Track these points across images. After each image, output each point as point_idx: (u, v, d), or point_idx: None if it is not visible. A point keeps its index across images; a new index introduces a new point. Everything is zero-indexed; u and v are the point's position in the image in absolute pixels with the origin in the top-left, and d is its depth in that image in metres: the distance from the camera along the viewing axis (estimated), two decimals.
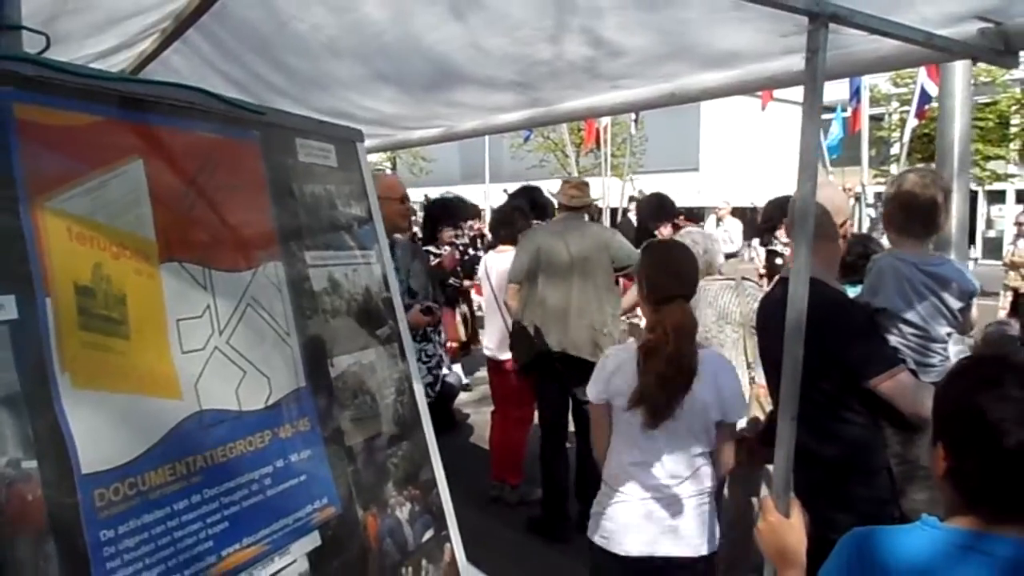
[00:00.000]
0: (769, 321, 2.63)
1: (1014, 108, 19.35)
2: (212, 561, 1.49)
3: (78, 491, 1.29)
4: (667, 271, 2.57)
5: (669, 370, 2.39)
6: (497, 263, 5.40)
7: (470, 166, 27.92)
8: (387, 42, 2.60)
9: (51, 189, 1.34)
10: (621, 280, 5.46)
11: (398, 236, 3.97)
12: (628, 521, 2.54)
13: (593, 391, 2.64)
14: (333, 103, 3.40)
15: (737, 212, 14.55)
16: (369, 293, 2.15)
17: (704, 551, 2.53)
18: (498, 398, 5.49)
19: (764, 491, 4.37)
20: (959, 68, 4.30)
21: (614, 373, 2.56)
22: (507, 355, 5.06)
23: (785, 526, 1.58)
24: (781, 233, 4.59)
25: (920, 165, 11.71)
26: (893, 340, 2.50)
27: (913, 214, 2.58)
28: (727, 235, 11.76)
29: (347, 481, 1.90)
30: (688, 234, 4.15)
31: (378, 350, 2.14)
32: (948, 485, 1.28)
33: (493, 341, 5.38)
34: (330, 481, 1.84)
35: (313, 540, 1.74)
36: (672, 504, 2.51)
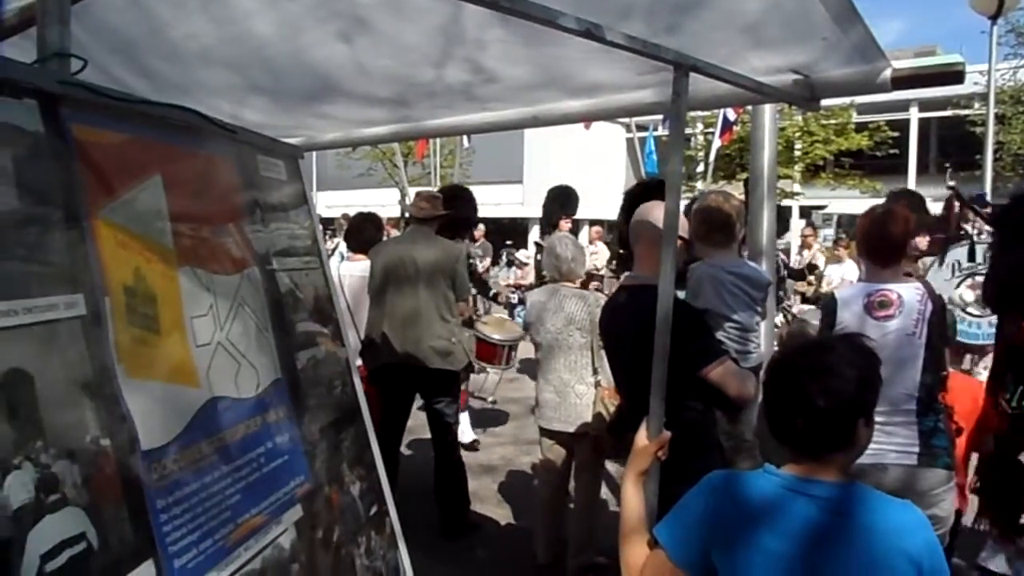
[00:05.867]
0: (615, 324, 3.04)
1: (797, 134, 22.09)
2: (231, 529, 1.69)
3: (140, 465, 1.47)
4: None
5: None
6: (350, 271, 5.46)
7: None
8: (269, 55, 2.67)
9: (101, 200, 1.50)
10: None
11: None
12: None
13: None
14: (197, 108, 3.29)
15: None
16: (318, 294, 2.38)
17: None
18: None
19: (604, 491, 4.80)
20: (768, 106, 5.07)
21: None
22: (358, 361, 5.13)
23: (646, 444, 2.01)
24: None
25: (717, 185, 13.01)
26: (718, 335, 2.95)
27: (713, 228, 3.08)
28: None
29: (315, 461, 2.13)
30: (562, 238, 4.47)
31: (327, 345, 2.37)
32: (780, 442, 1.62)
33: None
34: (304, 461, 2.07)
35: (297, 512, 1.97)
36: None
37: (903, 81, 2.25)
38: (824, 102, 2.56)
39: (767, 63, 2.35)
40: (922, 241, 6.75)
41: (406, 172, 20.43)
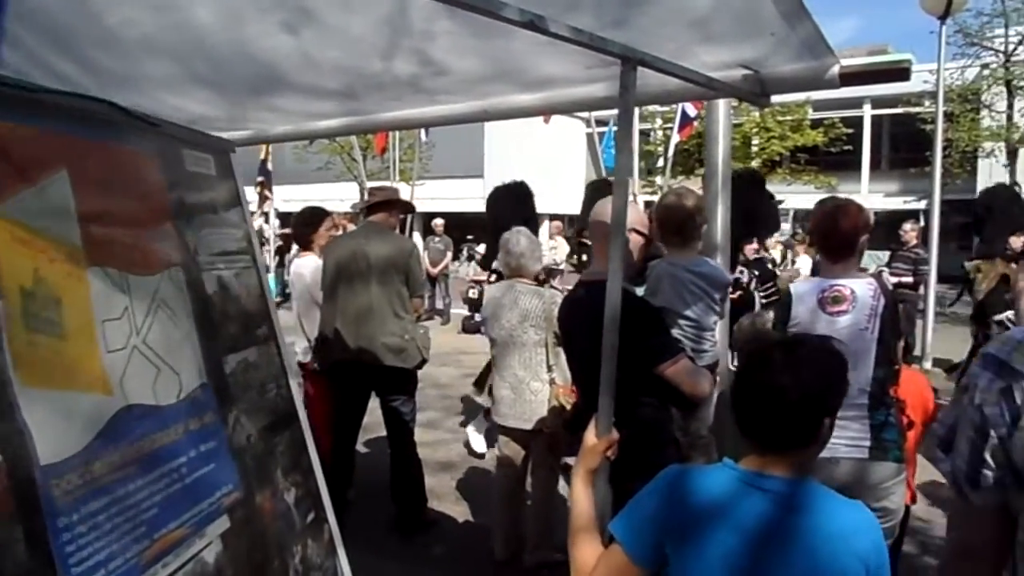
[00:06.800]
0: (572, 319, 3.00)
1: (754, 130, 22.37)
2: (147, 544, 1.59)
3: (38, 481, 1.36)
4: None
5: None
6: (298, 268, 5.31)
7: (250, 167, 26.64)
8: (211, 45, 2.59)
9: None
10: None
11: None
12: None
13: None
14: (140, 101, 3.19)
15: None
16: (250, 295, 2.28)
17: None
18: None
19: (561, 486, 4.74)
20: (722, 101, 5.07)
21: None
22: (307, 358, 4.98)
23: (595, 442, 1.95)
24: None
25: (677, 184, 13.08)
26: (673, 333, 2.95)
27: (669, 228, 3.09)
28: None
29: (245, 469, 2.03)
30: (515, 233, 4.37)
31: (259, 348, 2.27)
32: (744, 435, 1.60)
33: (299, 346, 5.33)
34: (233, 469, 1.97)
35: (224, 523, 1.87)
36: None
37: (851, 77, 2.23)
38: (776, 98, 2.54)
39: (716, 58, 2.31)
40: (1017, 241, 6.73)
41: (365, 166, 20.20)
